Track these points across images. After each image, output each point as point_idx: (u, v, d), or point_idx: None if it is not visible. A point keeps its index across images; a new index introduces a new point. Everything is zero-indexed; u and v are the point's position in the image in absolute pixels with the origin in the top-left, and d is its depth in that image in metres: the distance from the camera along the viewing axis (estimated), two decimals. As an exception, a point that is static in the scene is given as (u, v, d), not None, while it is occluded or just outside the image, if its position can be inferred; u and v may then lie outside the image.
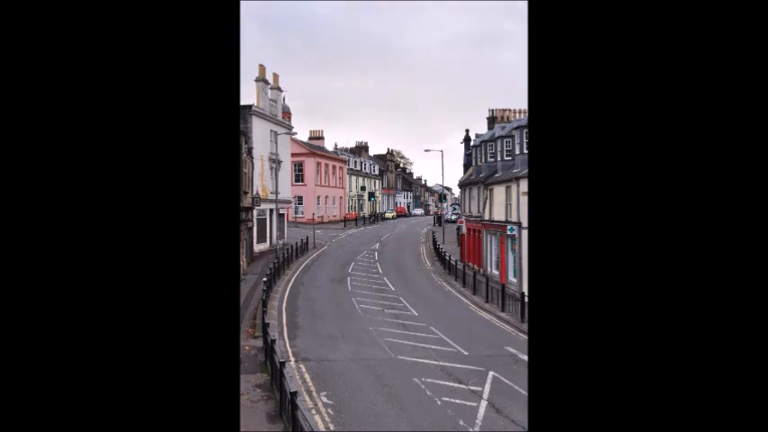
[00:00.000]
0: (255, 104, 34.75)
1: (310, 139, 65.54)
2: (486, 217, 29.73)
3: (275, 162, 37.25)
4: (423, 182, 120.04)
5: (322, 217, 59.95)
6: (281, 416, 10.65)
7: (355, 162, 73.58)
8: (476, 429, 10.69)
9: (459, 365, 14.42)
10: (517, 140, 26.89)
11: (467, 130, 41.96)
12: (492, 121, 36.37)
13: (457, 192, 67.51)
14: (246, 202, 29.76)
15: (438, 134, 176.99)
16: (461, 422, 10.95)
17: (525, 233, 23.46)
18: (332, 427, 10.67)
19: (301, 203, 57.27)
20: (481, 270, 29.96)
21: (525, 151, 25.70)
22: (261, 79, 35.95)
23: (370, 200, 73.61)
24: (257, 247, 33.75)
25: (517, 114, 34.91)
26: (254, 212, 32.54)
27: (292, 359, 14.67)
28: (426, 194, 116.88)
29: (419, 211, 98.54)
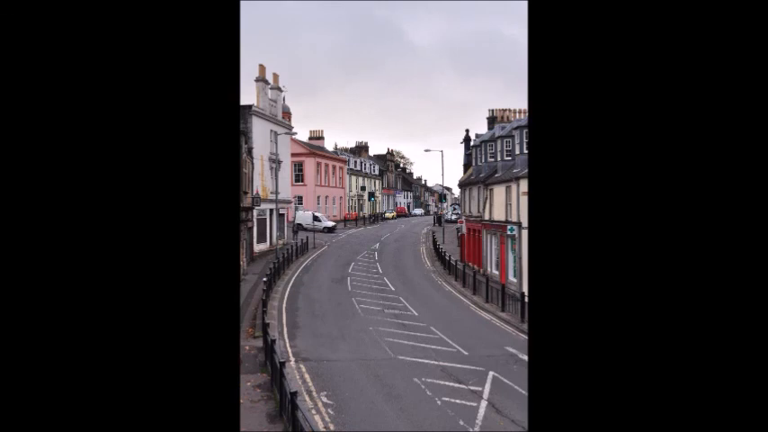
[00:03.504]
0: (255, 104, 34.74)
1: (310, 139, 65.51)
2: (486, 217, 29.72)
3: (275, 162, 37.24)
4: (423, 182, 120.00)
5: (322, 217, 59.92)
6: (281, 416, 10.64)
7: (355, 162, 73.55)
8: (476, 429, 10.69)
9: (459, 365, 14.42)
10: (517, 140, 26.89)
11: (467, 130, 41.98)
12: (492, 121, 36.37)
13: (457, 192, 67.48)
14: (246, 202, 29.75)
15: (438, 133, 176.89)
16: (461, 422, 10.95)
17: (525, 233, 23.46)
18: (332, 427, 10.67)
19: (301, 203, 57.25)
20: (481, 270, 29.96)
21: (525, 151, 25.70)
22: (261, 79, 35.94)
23: (370, 200, 73.58)
24: (257, 247, 33.74)
25: (517, 114, 34.90)
26: (254, 212, 32.53)
27: (292, 359, 14.66)
28: (426, 194, 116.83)
29: (419, 211, 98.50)
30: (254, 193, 32.48)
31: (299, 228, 45.28)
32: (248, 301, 21.58)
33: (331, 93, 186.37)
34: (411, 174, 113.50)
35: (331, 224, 50.30)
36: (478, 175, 32.35)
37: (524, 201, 23.87)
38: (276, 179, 36.40)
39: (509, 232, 25.87)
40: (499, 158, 29.45)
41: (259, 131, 34.64)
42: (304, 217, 48.85)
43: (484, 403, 11.95)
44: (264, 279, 21.63)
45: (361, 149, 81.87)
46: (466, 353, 15.65)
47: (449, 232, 47.09)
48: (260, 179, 34.56)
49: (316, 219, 48.42)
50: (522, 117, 32.60)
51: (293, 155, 49.54)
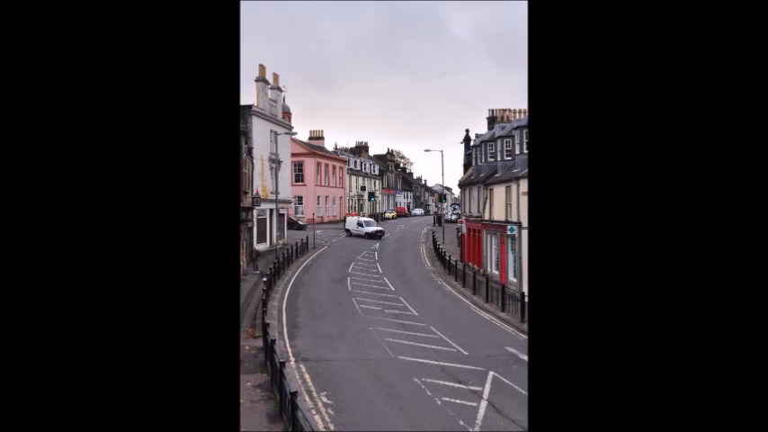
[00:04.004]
0: (255, 104, 34.74)
1: (310, 139, 65.53)
2: (486, 217, 29.72)
3: (275, 162, 37.24)
4: (423, 182, 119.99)
5: (322, 217, 59.96)
6: (281, 416, 10.64)
7: (355, 162, 73.57)
8: (476, 429, 10.69)
9: (459, 365, 14.42)
10: (517, 140, 26.90)
11: (467, 130, 41.97)
12: (492, 121, 36.37)
13: (457, 192, 67.50)
14: (246, 202, 29.75)
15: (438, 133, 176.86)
16: (461, 422, 10.95)
17: (525, 233, 23.46)
18: (332, 427, 10.67)
19: (301, 203, 57.26)
20: (481, 270, 29.96)
21: (525, 151, 25.70)
22: (261, 79, 35.93)
23: (370, 200, 73.58)
24: (257, 247, 33.75)
25: (517, 114, 34.90)
26: (254, 212, 32.53)
27: (292, 359, 14.66)
28: (426, 194, 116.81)
29: (419, 211, 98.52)
30: (254, 193, 32.49)
31: (346, 233, 44.03)
32: (248, 301, 21.58)
33: (331, 92, 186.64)
34: (411, 174, 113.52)
35: (373, 230, 45.63)
36: (478, 175, 32.35)
37: (524, 201, 23.87)
38: (276, 179, 36.41)
39: (509, 232, 25.87)
40: (499, 158, 29.45)
41: (259, 131, 34.64)
42: (350, 222, 47.88)
43: (484, 403, 11.95)
44: (264, 279, 21.64)
45: (361, 149, 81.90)
46: (466, 353, 15.65)
47: (449, 232, 47.08)
48: (260, 179, 34.57)
49: (359, 224, 46.78)
50: (522, 117, 32.60)
51: (293, 155, 49.56)
